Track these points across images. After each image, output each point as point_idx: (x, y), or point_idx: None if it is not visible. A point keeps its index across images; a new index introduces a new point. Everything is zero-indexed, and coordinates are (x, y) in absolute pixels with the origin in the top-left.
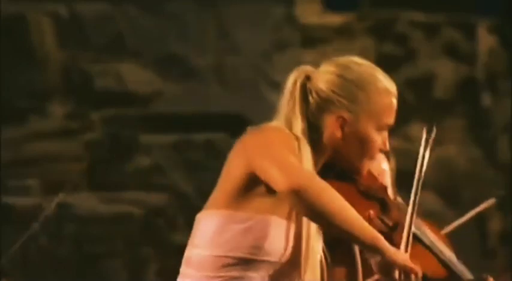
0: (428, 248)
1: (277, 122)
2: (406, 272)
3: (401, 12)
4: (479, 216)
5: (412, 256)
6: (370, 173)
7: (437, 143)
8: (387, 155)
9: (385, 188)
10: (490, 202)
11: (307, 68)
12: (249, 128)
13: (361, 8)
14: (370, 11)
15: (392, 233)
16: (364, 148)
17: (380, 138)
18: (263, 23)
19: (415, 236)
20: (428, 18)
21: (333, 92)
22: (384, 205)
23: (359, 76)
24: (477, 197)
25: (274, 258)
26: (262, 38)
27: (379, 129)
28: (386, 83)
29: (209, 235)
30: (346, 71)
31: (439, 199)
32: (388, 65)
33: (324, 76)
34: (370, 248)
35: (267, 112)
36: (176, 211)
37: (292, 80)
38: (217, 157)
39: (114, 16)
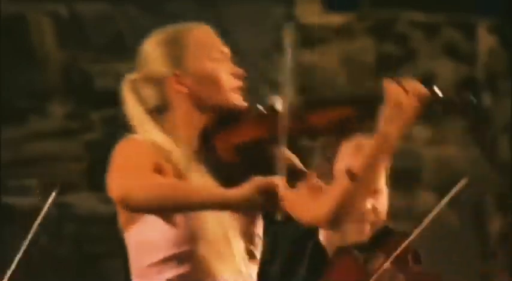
0: None
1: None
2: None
3: (402, 12)
4: (479, 216)
5: None
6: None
7: (437, 143)
8: None
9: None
10: (462, 182)
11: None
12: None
13: (361, 8)
14: (370, 11)
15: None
16: (214, 85)
17: (223, 69)
18: (263, 23)
19: None
20: (429, 18)
21: (152, 66)
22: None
23: (166, 38)
24: (477, 198)
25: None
26: (262, 38)
27: (216, 61)
28: (192, 26)
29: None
30: (152, 46)
31: (439, 199)
32: (388, 65)
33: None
34: (224, 205)
35: None
36: None
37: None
38: None
39: (114, 16)
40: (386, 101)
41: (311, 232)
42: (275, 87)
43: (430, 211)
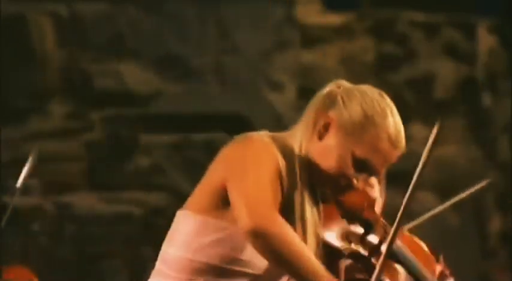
0: (408, 270)
1: (265, 133)
2: None
3: (402, 12)
4: (480, 216)
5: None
6: (355, 191)
7: (437, 143)
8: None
9: (372, 205)
10: (484, 183)
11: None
12: (236, 137)
13: (361, 8)
14: (370, 11)
15: (372, 257)
16: (335, 161)
17: (352, 172)
18: (263, 23)
19: (396, 259)
20: (429, 18)
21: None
22: (367, 226)
23: (373, 106)
24: (477, 198)
25: (250, 270)
26: (262, 38)
27: (356, 163)
28: (393, 132)
29: (185, 237)
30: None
31: (439, 199)
32: (388, 65)
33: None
34: None
35: (267, 112)
36: (176, 211)
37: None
38: None
39: (114, 16)
40: None
41: None
42: (275, 87)
43: (429, 211)
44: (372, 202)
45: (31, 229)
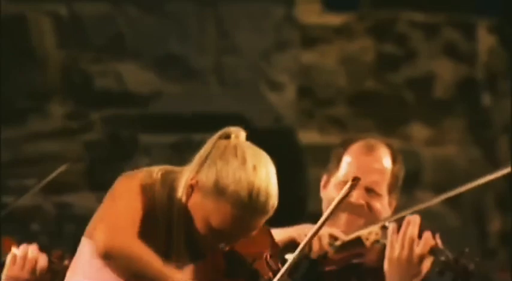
0: None
1: (159, 169)
2: None
3: (401, 12)
4: (480, 216)
5: None
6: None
7: (437, 143)
8: (394, 157)
9: (261, 256)
10: (505, 170)
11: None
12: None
13: (361, 8)
14: (370, 11)
15: None
16: (198, 222)
17: (212, 238)
18: (263, 23)
19: None
20: (428, 18)
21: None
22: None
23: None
24: (477, 198)
25: None
26: (262, 38)
27: (212, 232)
28: (253, 200)
29: (82, 262)
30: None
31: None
32: (388, 65)
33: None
34: None
35: (267, 112)
36: None
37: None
38: None
39: (114, 16)
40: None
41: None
42: (275, 87)
43: (429, 211)
44: (260, 253)
45: (30, 228)
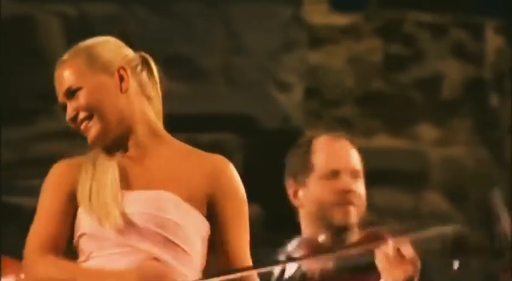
0: None
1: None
2: None
3: (409, 13)
4: (487, 216)
5: None
6: None
7: (445, 144)
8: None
9: None
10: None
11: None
12: None
13: (369, 9)
14: (378, 12)
15: None
16: None
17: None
18: (270, 23)
19: None
20: (436, 18)
21: None
22: None
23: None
24: (484, 197)
25: None
26: (270, 38)
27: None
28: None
29: None
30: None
31: (446, 199)
32: (395, 65)
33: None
34: None
35: (274, 112)
36: None
37: None
38: None
39: (121, 17)
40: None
41: None
42: (282, 87)
43: (437, 211)
44: None
45: None
